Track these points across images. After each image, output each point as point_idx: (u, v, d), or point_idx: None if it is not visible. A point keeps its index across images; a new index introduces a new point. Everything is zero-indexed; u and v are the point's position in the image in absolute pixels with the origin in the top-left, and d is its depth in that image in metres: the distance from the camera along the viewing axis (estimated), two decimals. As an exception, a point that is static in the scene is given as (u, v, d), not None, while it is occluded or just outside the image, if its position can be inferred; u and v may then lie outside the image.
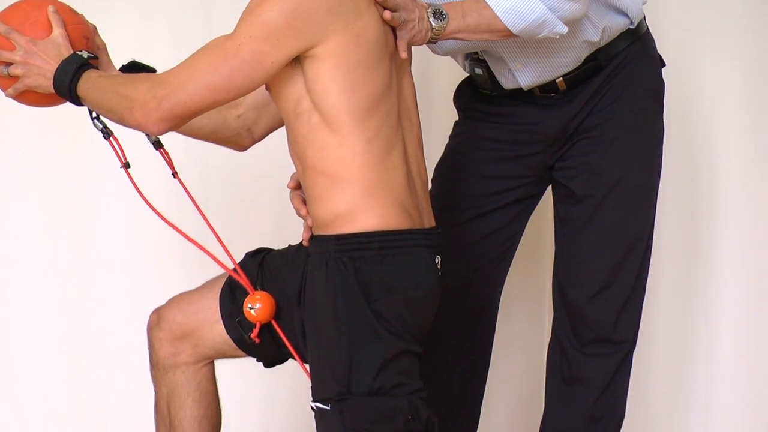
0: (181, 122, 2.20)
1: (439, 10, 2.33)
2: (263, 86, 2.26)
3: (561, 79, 2.64)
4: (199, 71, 2.16)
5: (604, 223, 2.68)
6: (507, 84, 2.67)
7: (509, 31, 2.39)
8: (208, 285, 2.45)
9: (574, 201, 2.70)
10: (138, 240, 3.55)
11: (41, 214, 3.59)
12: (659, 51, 2.78)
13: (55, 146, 3.56)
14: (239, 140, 2.58)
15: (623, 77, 2.67)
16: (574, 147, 2.69)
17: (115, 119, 2.25)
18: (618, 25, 2.65)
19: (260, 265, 2.38)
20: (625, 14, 2.65)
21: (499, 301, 2.90)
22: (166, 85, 2.16)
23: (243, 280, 2.34)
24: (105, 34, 2.51)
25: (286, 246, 2.42)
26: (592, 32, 2.59)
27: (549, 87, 2.65)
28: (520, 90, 2.67)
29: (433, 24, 2.32)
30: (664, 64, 2.79)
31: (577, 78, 2.64)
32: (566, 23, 2.42)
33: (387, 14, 2.23)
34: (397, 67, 2.29)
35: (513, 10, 2.38)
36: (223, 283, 2.41)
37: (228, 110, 2.52)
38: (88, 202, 3.58)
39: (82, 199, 3.58)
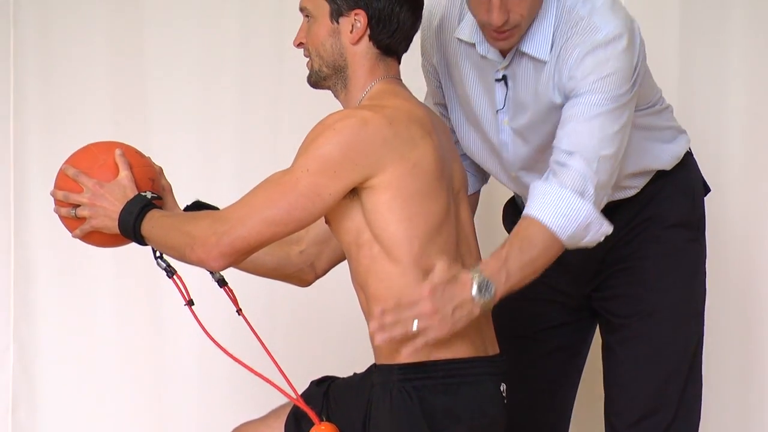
0: (241, 257, 2.23)
1: (484, 283, 2.16)
2: (324, 221, 2.30)
3: None
4: (257, 206, 2.20)
5: (639, 352, 2.65)
6: None
7: (557, 240, 2.26)
8: (273, 414, 2.45)
9: (611, 329, 2.69)
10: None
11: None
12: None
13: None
14: (302, 276, 2.60)
15: (649, 210, 2.65)
16: (607, 279, 2.68)
17: (177, 256, 2.28)
18: (648, 178, 2.67)
19: (325, 394, 2.38)
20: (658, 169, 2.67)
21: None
22: (225, 222, 2.20)
23: (309, 411, 2.34)
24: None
25: (351, 374, 2.42)
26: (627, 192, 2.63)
27: None
28: None
29: (480, 300, 2.16)
30: (708, 190, 2.76)
31: (605, 210, 2.50)
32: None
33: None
34: (454, 194, 2.32)
35: (560, 215, 2.27)
36: (288, 413, 2.41)
37: (290, 246, 2.55)
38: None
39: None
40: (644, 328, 2.64)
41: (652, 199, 2.66)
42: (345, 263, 2.36)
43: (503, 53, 2.47)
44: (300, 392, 2.38)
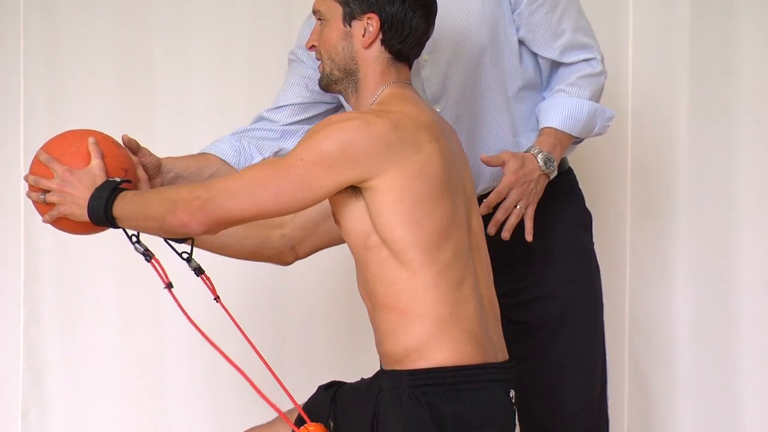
0: (220, 227, 2.24)
1: (548, 157, 2.60)
2: (312, 209, 2.32)
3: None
4: (246, 182, 2.21)
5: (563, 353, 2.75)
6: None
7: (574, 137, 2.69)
8: (280, 419, 2.42)
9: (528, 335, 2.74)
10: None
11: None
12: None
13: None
14: (282, 257, 2.61)
15: (552, 209, 2.72)
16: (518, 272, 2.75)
17: (155, 226, 2.27)
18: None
19: (333, 398, 2.37)
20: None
21: None
22: (210, 189, 2.22)
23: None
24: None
25: (359, 379, 2.41)
26: None
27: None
28: None
29: (547, 170, 2.61)
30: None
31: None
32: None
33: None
34: (465, 199, 2.32)
35: (567, 118, 2.67)
36: (295, 419, 2.39)
37: (271, 230, 2.56)
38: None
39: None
40: (555, 337, 2.77)
41: (555, 194, 2.75)
42: (340, 255, 2.36)
43: None
44: (303, 398, 2.38)
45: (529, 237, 2.59)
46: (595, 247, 2.85)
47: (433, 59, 2.54)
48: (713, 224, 3.61)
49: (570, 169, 2.86)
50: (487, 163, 2.58)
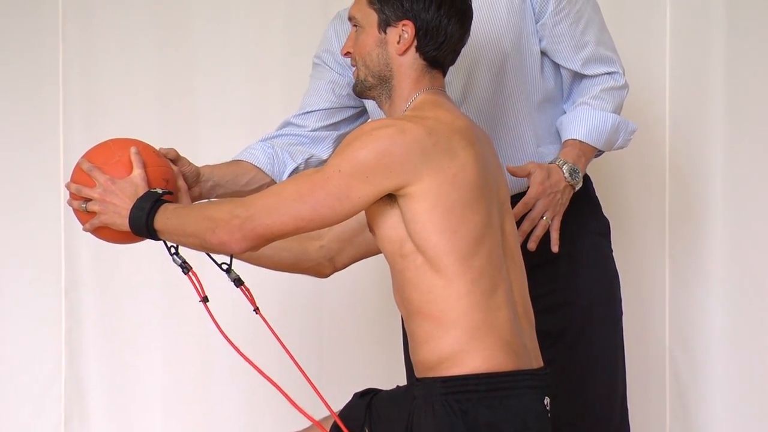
0: (261, 244, 2.24)
1: (573, 168, 2.62)
2: (349, 220, 2.32)
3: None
4: (285, 198, 2.22)
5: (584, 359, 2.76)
6: None
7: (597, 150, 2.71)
8: (314, 426, 2.42)
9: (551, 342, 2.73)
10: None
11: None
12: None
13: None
14: (320, 269, 2.62)
15: (573, 217, 2.72)
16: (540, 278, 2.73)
17: (196, 243, 2.29)
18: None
19: (368, 406, 2.38)
20: None
21: None
22: (249, 206, 2.22)
23: (337, 419, 2.33)
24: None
25: (394, 387, 2.42)
26: None
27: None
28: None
29: (573, 181, 2.63)
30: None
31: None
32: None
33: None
34: (499, 205, 2.31)
35: (592, 130, 2.69)
36: (330, 426, 2.40)
37: (309, 242, 2.57)
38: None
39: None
40: (580, 344, 2.78)
41: (574, 204, 2.75)
42: (376, 266, 2.36)
43: None
44: (339, 406, 2.39)
45: (555, 248, 2.61)
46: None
47: (455, 64, 2.55)
48: (753, 231, 3.59)
49: (587, 177, 2.85)
50: (513, 173, 2.58)
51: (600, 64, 2.73)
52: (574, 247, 2.76)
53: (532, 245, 2.58)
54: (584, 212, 2.80)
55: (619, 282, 2.85)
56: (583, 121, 2.70)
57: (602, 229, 2.87)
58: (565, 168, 2.62)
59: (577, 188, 2.65)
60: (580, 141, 2.69)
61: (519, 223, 2.58)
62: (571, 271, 2.77)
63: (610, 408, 2.78)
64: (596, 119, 2.70)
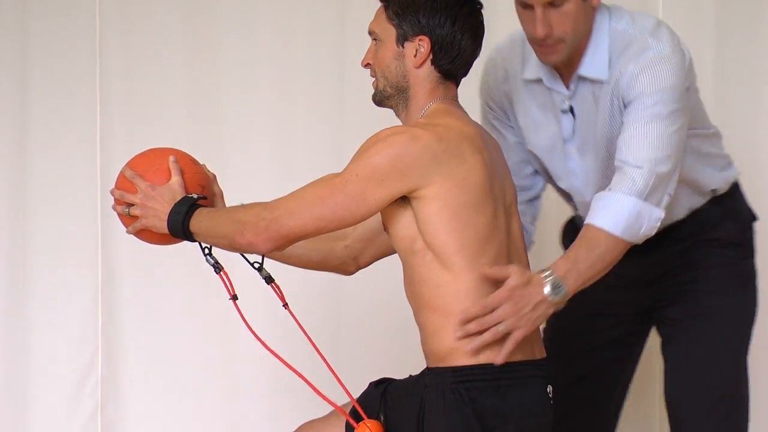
0: (287, 244, 2.36)
1: (556, 284, 2.33)
2: (371, 221, 2.44)
3: None
4: (307, 201, 2.33)
5: (696, 350, 2.76)
6: None
7: (615, 238, 2.42)
8: (335, 412, 2.53)
9: (669, 332, 2.80)
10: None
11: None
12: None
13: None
14: (346, 267, 2.73)
15: (701, 233, 2.76)
16: (666, 288, 2.80)
17: (227, 244, 2.41)
18: (701, 201, 2.79)
19: (383, 394, 2.48)
20: (711, 191, 2.79)
21: None
22: (274, 209, 2.34)
23: (344, 412, 2.45)
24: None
25: (407, 376, 2.51)
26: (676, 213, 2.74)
27: None
28: None
29: (553, 299, 2.34)
30: (755, 218, 2.87)
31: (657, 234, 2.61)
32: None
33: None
34: (506, 208, 2.42)
35: (609, 213, 2.43)
36: (348, 411, 2.49)
37: (335, 241, 2.67)
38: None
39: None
40: (702, 327, 2.75)
41: (703, 224, 2.77)
42: (391, 265, 2.50)
43: (560, 73, 2.61)
44: (356, 394, 2.48)
45: (498, 360, 2.29)
46: None
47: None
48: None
49: (737, 189, 2.85)
50: (493, 277, 2.31)
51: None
52: (697, 255, 2.77)
53: (468, 347, 2.29)
54: (711, 234, 2.78)
55: (751, 290, 2.82)
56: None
57: (732, 239, 2.80)
58: (548, 281, 2.34)
59: (559, 307, 2.36)
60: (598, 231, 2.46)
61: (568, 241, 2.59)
62: (704, 278, 2.78)
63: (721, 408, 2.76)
64: (615, 203, 2.48)
